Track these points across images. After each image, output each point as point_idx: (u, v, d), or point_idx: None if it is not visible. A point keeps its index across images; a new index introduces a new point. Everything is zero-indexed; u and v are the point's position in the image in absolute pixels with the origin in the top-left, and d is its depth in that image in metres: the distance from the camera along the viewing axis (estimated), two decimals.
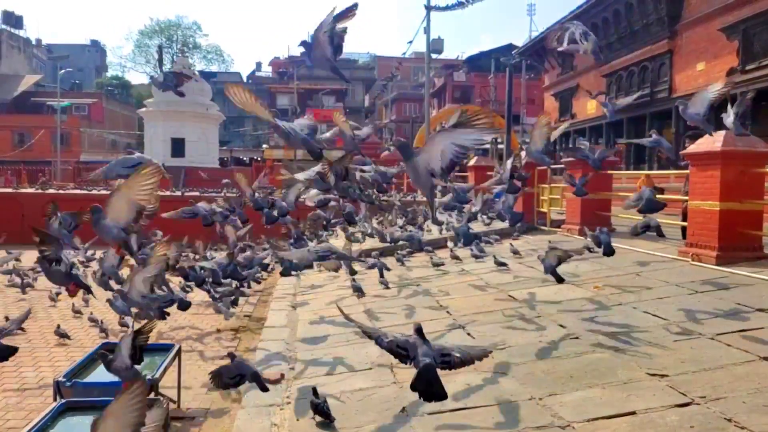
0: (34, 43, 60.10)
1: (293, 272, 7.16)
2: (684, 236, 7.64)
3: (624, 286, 6.24)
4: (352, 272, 8.05)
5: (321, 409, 3.64)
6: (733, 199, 6.53)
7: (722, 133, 6.71)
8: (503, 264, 7.87)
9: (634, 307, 5.39)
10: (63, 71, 43.73)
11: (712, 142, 6.70)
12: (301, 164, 9.14)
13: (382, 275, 7.95)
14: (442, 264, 8.67)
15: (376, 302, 7.06)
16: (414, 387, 3.23)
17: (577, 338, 4.70)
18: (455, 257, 9.00)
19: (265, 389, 3.97)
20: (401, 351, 3.31)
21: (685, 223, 7.55)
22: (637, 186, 13.16)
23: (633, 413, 3.30)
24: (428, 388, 3.20)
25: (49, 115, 42.54)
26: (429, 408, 3.67)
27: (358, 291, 7.40)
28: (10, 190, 23.35)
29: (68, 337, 6.88)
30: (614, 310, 5.38)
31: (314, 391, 3.74)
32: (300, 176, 6.43)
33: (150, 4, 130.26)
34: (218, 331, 7.45)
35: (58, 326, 6.97)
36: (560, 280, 5.82)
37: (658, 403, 3.39)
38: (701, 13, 15.90)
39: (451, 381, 4.07)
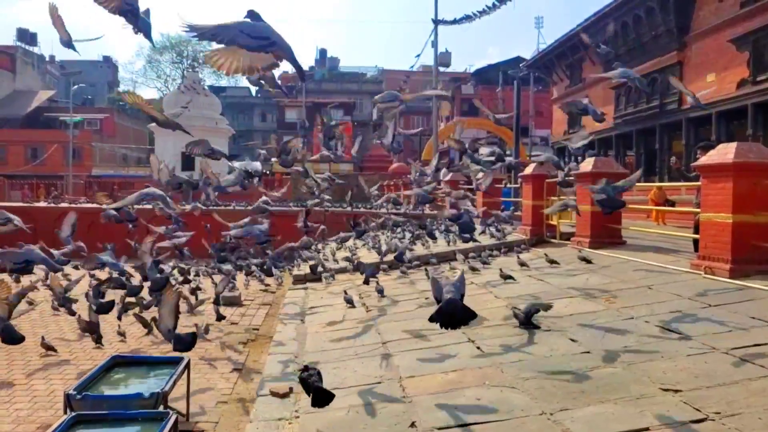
0: (47, 59, 60.99)
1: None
2: (696, 249, 7.56)
3: (636, 299, 6.18)
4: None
5: (308, 384, 3.59)
6: (746, 211, 6.46)
7: (734, 144, 6.67)
8: (509, 277, 7.83)
9: (646, 320, 5.33)
10: (75, 87, 44.31)
11: (724, 153, 6.65)
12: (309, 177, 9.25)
13: (367, 282, 8.46)
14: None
15: (385, 315, 7.04)
16: (433, 319, 3.86)
17: (588, 352, 4.65)
18: (453, 269, 9.03)
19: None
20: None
21: (697, 236, 7.47)
22: (649, 198, 13.15)
23: (646, 429, 3.25)
24: (451, 318, 3.83)
25: (61, 129, 43.07)
26: (438, 423, 3.64)
27: (350, 303, 7.70)
28: (22, 203, 23.59)
29: (54, 350, 6.87)
30: (626, 324, 5.32)
31: (305, 368, 3.72)
32: None
33: (161, 19, 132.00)
34: (246, 342, 7.44)
35: (43, 338, 6.98)
36: (536, 327, 5.67)
37: (671, 418, 3.33)
38: (711, 25, 15.88)
39: (461, 395, 4.04)
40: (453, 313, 3.79)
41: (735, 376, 3.85)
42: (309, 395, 3.64)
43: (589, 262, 8.36)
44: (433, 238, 10.15)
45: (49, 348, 6.84)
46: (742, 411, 3.34)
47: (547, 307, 5.72)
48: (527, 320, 5.54)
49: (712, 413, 3.34)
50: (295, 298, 9.15)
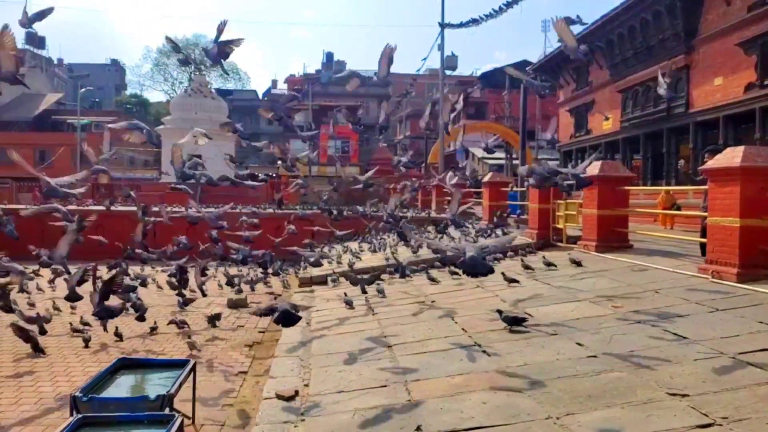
0: (55, 62, 61.47)
1: None
2: (703, 253, 7.52)
3: (643, 303, 6.15)
4: None
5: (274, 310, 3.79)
6: (754, 215, 6.42)
7: (742, 148, 6.63)
8: (514, 280, 7.81)
9: (653, 325, 5.31)
10: (83, 90, 44.64)
11: (731, 157, 6.61)
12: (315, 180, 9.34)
13: (364, 291, 8.46)
14: (438, 281, 8.73)
15: (390, 319, 7.03)
16: (462, 270, 5.12)
17: (595, 356, 4.63)
18: (454, 273, 9.04)
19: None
20: (453, 258, 5.22)
21: (704, 240, 7.44)
22: (657, 202, 13.09)
23: None
24: (473, 269, 4.99)
25: (69, 132, 43.34)
26: (444, 427, 3.63)
27: (349, 305, 7.78)
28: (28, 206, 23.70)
29: (43, 352, 6.88)
30: (633, 328, 5.30)
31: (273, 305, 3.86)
32: None
33: (168, 23, 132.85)
34: (251, 345, 7.45)
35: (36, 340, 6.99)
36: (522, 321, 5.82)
37: (678, 423, 3.31)
38: (718, 28, 15.81)
39: (467, 399, 4.03)
40: (474, 265, 4.87)
41: (743, 381, 3.82)
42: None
43: (579, 264, 8.35)
44: (405, 240, 10.09)
45: (38, 351, 6.85)
46: (750, 416, 3.31)
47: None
48: (513, 322, 5.70)
49: (720, 418, 3.32)
50: (300, 300, 9.16)
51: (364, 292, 8.52)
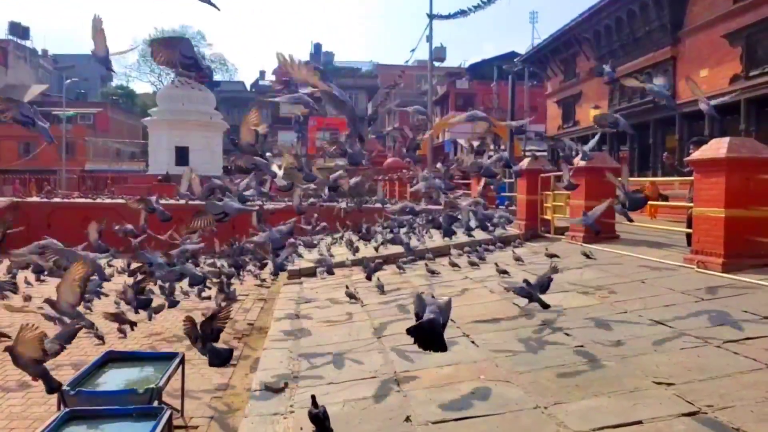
0: (40, 53, 60.47)
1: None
2: (689, 243, 7.60)
3: (629, 293, 6.21)
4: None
5: (319, 419, 3.53)
6: (739, 206, 6.49)
7: (727, 139, 6.69)
8: (505, 272, 7.86)
9: (639, 314, 5.36)
10: (69, 81, 44.04)
11: (716, 148, 6.67)
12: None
13: (369, 278, 8.30)
14: (438, 273, 8.72)
15: (379, 310, 7.05)
16: (410, 332, 3.76)
17: (582, 346, 4.67)
18: (453, 264, 9.07)
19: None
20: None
21: (689, 230, 7.51)
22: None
23: (639, 422, 3.27)
24: (427, 338, 3.72)
25: (54, 124, 42.76)
26: (433, 417, 3.65)
27: (352, 297, 7.64)
28: (16, 198, 23.46)
29: (8, 337, 6.80)
30: (620, 318, 5.35)
31: (313, 399, 3.66)
32: None
33: (155, 14, 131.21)
34: (241, 337, 7.41)
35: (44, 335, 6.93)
36: (545, 306, 5.77)
37: (664, 412, 3.36)
38: (704, 20, 15.92)
39: (456, 389, 4.06)
40: (431, 333, 3.73)
41: (727, 369, 3.87)
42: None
43: (588, 257, 8.32)
44: (451, 234, 9.94)
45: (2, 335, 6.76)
46: (735, 404, 3.36)
47: (555, 270, 6.02)
48: (541, 292, 5.72)
49: (705, 406, 3.36)
50: (290, 293, 9.14)
51: (368, 278, 8.44)
